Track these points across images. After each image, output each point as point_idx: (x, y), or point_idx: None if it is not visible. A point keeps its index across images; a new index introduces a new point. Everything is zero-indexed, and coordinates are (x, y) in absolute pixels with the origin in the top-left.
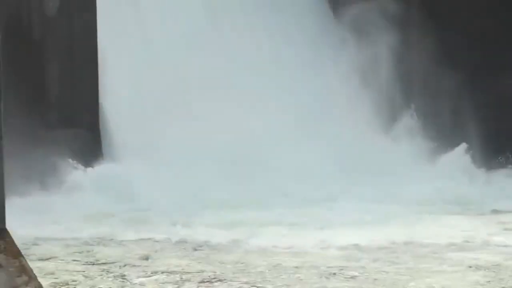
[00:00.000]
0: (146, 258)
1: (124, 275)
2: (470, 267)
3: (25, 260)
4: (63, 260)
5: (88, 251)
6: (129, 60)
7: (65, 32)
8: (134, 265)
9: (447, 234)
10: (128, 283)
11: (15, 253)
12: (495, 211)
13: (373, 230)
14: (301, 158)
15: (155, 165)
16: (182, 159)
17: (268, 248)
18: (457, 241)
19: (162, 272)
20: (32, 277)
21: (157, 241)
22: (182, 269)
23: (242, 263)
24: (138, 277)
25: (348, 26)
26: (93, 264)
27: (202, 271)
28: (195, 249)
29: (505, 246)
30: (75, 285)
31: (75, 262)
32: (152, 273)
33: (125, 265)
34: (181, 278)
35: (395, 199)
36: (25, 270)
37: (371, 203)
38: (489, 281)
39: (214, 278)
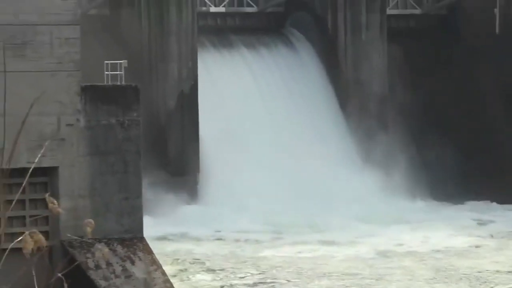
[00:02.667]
0: None
1: None
2: None
3: (155, 256)
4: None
5: None
6: (216, 135)
7: (179, 121)
8: None
9: None
10: None
11: (149, 251)
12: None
13: None
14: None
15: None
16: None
17: None
18: None
19: None
20: (159, 266)
21: None
22: None
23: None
24: None
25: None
26: None
27: None
28: None
29: None
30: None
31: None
32: None
33: None
34: None
35: None
36: (155, 261)
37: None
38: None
39: None
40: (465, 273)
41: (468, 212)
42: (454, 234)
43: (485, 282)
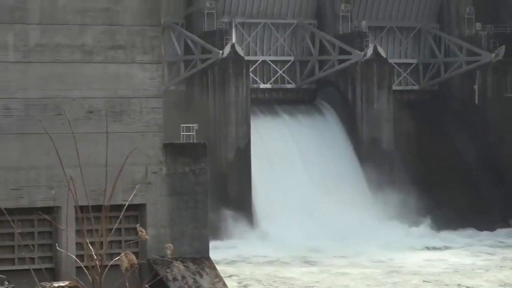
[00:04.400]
0: None
1: None
2: None
3: (218, 271)
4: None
5: None
6: (265, 180)
7: (237, 170)
8: None
9: None
10: None
11: (213, 268)
12: None
13: None
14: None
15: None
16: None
17: None
18: None
19: None
20: (221, 279)
21: None
22: None
23: None
24: None
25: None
26: None
27: None
28: None
29: None
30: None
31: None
32: None
33: None
34: None
35: None
36: (218, 275)
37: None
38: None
39: None
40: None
41: (462, 238)
42: (457, 257)
43: None
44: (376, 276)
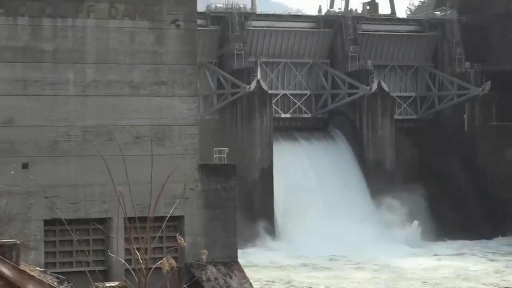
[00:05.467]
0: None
1: None
2: None
3: (245, 273)
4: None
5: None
6: (285, 196)
7: (261, 187)
8: None
9: None
10: None
11: (241, 270)
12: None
13: None
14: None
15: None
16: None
17: None
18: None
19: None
20: (247, 280)
21: None
22: None
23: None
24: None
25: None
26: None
27: None
28: None
29: None
30: None
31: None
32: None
33: None
34: None
35: None
36: (245, 277)
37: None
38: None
39: None
40: None
41: (456, 246)
42: (454, 262)
43: None
44: (381, 280)
